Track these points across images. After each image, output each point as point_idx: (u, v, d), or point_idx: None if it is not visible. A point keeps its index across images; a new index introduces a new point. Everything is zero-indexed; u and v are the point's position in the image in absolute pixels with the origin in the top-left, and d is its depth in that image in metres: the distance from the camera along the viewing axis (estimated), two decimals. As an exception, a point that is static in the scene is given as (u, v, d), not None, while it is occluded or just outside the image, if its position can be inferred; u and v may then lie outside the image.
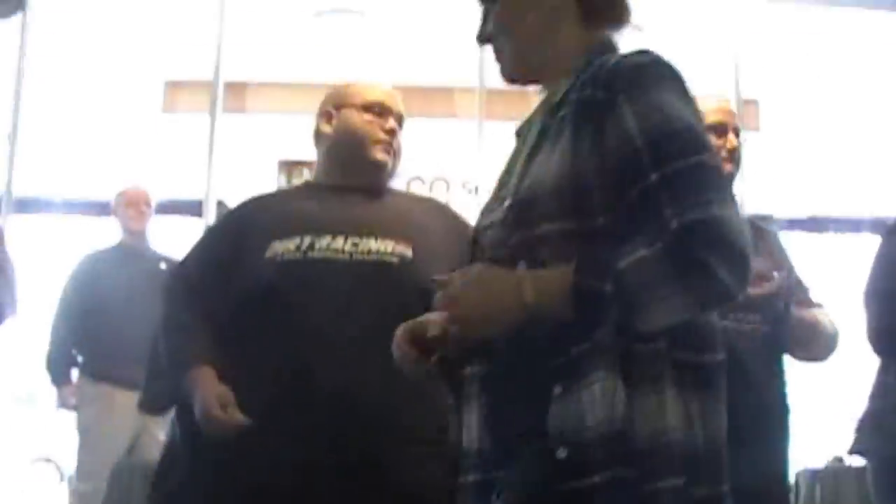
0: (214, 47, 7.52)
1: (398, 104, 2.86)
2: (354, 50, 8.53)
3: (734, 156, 3.18)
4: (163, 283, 2.82)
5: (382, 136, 2.76)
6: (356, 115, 2.79)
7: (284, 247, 2.56)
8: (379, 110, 2.79)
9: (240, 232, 2.69)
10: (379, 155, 2.75)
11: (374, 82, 2.93)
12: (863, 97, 9.10)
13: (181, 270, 2.82)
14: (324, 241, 2.55)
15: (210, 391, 2.48)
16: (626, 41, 7.37)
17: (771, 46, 8.24)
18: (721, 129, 3.18)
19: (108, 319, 5.65)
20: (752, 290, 2.80)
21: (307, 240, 2.55)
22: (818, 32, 8.28)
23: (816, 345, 3.10)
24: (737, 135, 3.22)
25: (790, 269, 3.24)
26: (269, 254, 2.56)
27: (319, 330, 2.49)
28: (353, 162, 2.78)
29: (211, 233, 2.90)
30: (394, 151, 2.78)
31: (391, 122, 2.78)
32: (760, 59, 8.11)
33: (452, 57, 8.21)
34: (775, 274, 2.93)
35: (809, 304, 3.19)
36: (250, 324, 2.55)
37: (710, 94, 3.37)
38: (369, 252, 2.54)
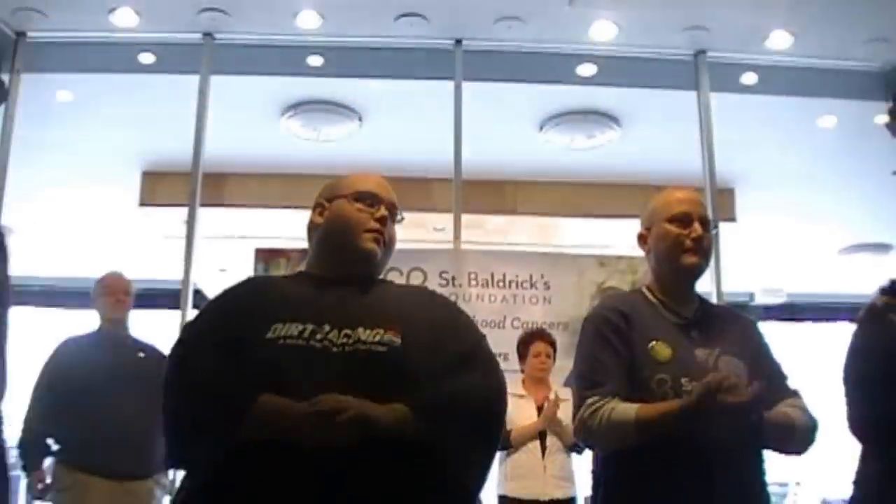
0: (193, 139, 7.54)
1: (390, 194, 2.86)
2: (333, 143, 8.61)
3: (700, 246, 3.17)
4: (169, 355, 2.76)
5: (373, 224, 2.76)
6: (346, 205, 2.80)
7: (287, 331, 2.54)
8: (370, 200, 2.79)
9: (240, 310, 2.68)
10: (368, 244, 2.74)
11: (367, 173, 2.94)
12: (837, 187, 9.20)
13: (183, 344, 2.79)
14: (323, 332, 2.54)
15: (299, 404, 2.43)
16: (602, 134, 7.45)
17: (746, 137, 8.33)
18: (685, 219, 3.18)
19: (85, 407, 5.55)
20: (729, 399, 2.79)
21: (309, 327, 2.54)
22: (793, 123, 8.39)
23: (792, 442, 3.08)
24: (705, 225, 3.21)
25: (769, 360, 3.23)
26: (270, 335, 2.54)
27: None
28: (343, 251, 2.77)
29: (210, 311, 2.86)
30: (384, 240, 2.78)
31: (382, 211, 2.78)
32: (736, 149, 8.19)
33: (429, 149, 8.30)
34: (753, 383, 2.92)
35: (786, 394, 3.17)
36: (249, 403, 2.52)
37: (684, 184, 3.40)
38: (359, 342, 2.52)
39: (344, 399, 2.37)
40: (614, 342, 3.05)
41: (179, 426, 2.59)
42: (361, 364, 2.50)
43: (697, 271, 3.20)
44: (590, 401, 2.98)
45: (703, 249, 3.17)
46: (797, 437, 3.04)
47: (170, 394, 2.61)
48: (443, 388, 2.49)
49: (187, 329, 2.76)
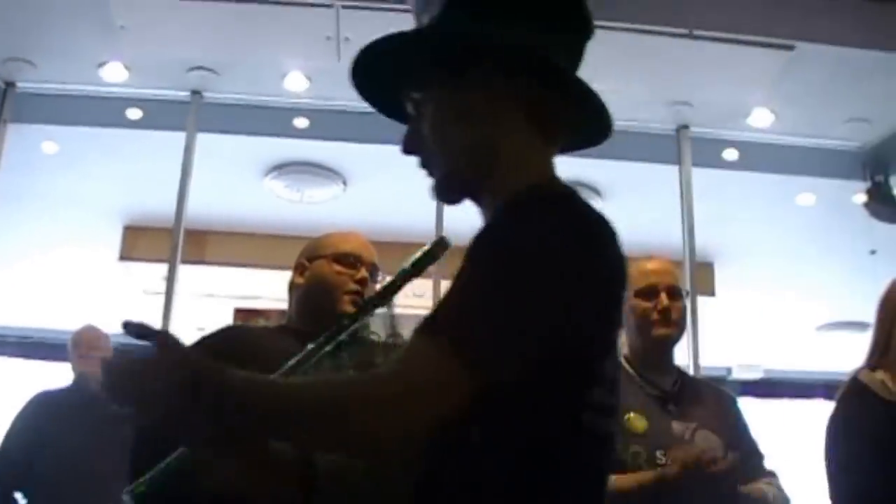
0: (176, 195, 7.54)
1: (371, 254, 2.88)
2: (316, 205, 8.62)
3: (667, 317, 3.18)
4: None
5: (352, 286, 2.77)
6: (327, 266, 2.81)
7: None
8: (350, 261, 2.80)
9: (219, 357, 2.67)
10: (347, 306, 2.75)
11: (349, 233, 2.95)
12: (816, 265, 9.25)
13: None
14: None
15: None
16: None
17: (726, 212, 8.38)
18: (651, 292, 3.20)
19: (56, 462, 5.51)
20: (705, 472, 2.80)
21: None
22: (773, 199, 8.45)
23: None
24: (673, 295, 3.21)
25: (746, 437, 3.23)
26: None
27: None
28: (322, 312, 2.77)
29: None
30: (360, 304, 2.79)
31: (362, 273, 2.79)
32: (716, 224, 8.24)
33: (412, 213, 8.31)
34: (729, 453, 2.93)
35: (762, 474, 3.17)
36: None
37: (665, 256, 3.41)
38: None
39: None
40: None
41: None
42: None
43: (669, 342, 3.21)
44: None
45: (673, 320, 3.19)
46: None
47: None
48: None
49: None
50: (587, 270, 1.64)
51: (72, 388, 5.91)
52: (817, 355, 11.20)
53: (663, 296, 3.18)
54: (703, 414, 3.14)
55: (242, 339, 2.85)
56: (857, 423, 3.15)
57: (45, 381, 6.09)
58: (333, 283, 2.78)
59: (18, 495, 5.69)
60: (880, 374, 3.13)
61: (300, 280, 2.87)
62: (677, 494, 2.80)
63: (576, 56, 2.13)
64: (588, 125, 2.05)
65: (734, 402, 3.36)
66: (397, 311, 2.63)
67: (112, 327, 5.87)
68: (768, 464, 3.25)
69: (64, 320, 7.69)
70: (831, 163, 7.93)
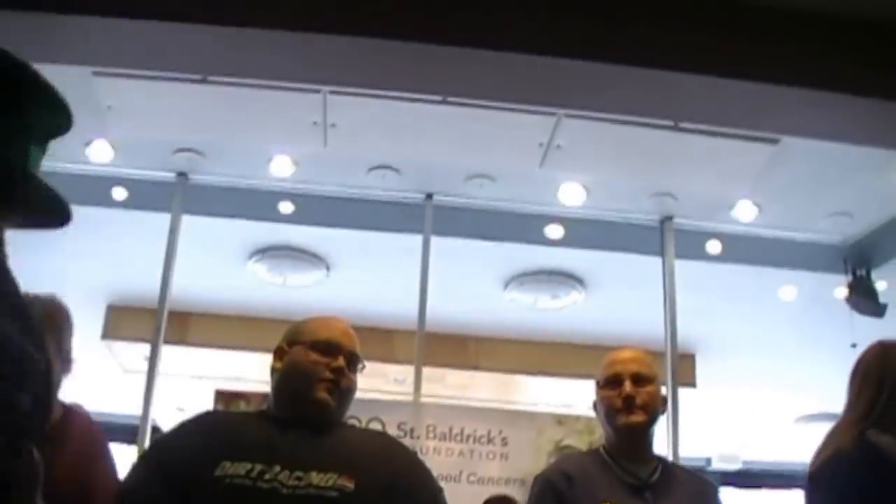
0: (160, 276, 7.54)
1: (351, 341, 2.87)
2: (299, 289, 8.62)
3: (631, 404, 3.18)
4: (116, 491, 2.74)
5: (327, 374, 2.76)
6: (303, 353, 2.80)
7: (235, 470, 2.53)
8: (328, 349, 2.80)
9: (190, 445, 2.66)
10: (321, 394, 2.74)
11: (331, 319, 2.95)
12: (796, 357, 9.26)
13: (128, 480, 2.76)
14: (272, 472, 2.52)
15: None
16: (566, 295, 7.44)
17: (709, 304, 8.41)
18: (616, 381, 3.22)
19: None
20: None
21: (258, 468, 2.53)
22: (755, 292, 8.48)
23: None
24: (639, 382, 3.20)
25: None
26: (218, 472, 2.52)
27: None
28: (297, 399, 2.78)
29: (160, 444, 2.85)
30: (340, 391, 2.78)
31: (339, 361, 2.78)
32: (698, 315, 8.26)
33: (394, 300, 8.32)
34: None
35: None
36: None
37: (646, 347, 3.42)
38: (311, 486, 2.51)
39: None
40: None
41: None
42: None
43: (636, 430, 3.21)
44: None
45: (639, 406, 3.19)
46: None
47: None
48: None
49: (135, 467, 2.75)
50: None
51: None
52: (796, 446, 11.17)
53: (627, 383, 3.19)
54: (681, 502, 3.12)
55: (220, 424, 2.84)
56: (872, 491, 3.10)
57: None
58: (309, 370, 2.77)
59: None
60: (888, 438, 3.10)
61: (278, 365, 2.87)
62: None
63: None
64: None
65: (715, 491, 3.34)
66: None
67: (93, 404, 5.82)
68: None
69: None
70: (813, 256, 7.98)
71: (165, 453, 2.72)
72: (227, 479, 2.51)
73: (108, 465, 3.19)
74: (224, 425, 2.82)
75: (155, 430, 7.43)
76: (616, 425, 3.20)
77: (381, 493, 2.56)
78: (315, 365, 2.78)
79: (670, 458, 7.01)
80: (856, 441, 3.12)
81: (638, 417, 3.18)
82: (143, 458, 2.78)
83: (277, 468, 2.54)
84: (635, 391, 3.19)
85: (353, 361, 2.84)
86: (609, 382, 3.24)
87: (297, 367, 2.81)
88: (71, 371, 3.29)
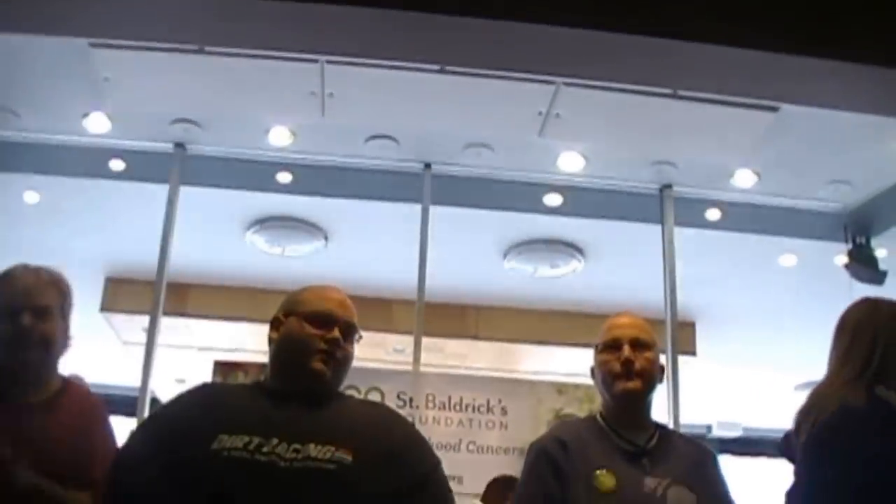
0: (158, 248, 7.53)
1: (347, 312, 2.84)
2: (297, 259, 8.61)
3: (629, 369, 3.16)
4: (111, 463, 2.73)
5: (322, 346, 2.75)
6: (299, 324, 2.79)
7: (232, 443, 2.52)
8: (323, 320, 2.78)
9: (188, 418, 2.66)
10: (317, 365, 2.73)
11: (327, 289, 2.93)
12: (796, 325, 9.26)
13: (124, 453, 2.75)
14: (270, 445, 2.52)
15: None
16: (566, 264, 7.40)
17: (708, 272, 8.40)
18: (614, 345, 3.19)
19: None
20: None
21: (255, 440, 2.52)
22: (754, 260, 8.47)
23: None
24: (637, 347, 3.18)
25: (724, 497, 3.20)
26: (215, 445, 2.52)
27: None
28: (293, 370, 2.77)
29: (158, 417, 2.84)
30: (336, 361, 2.77)
31: (334, 333, 2.76)
32: (698, 283, 8.26)
33: (393, 270, 8.30)
34: None
35: None
36: None
37: (645, 315, 3.39)
38: (308, 458, 2.50)
39: None
40: (545, 476, 3.06)
41: None
42: (309, 481, 2.47)
43: (633, 396, 3.18)
44: None
45: (637, 372, 3.16)
46: None
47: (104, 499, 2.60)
48: None
49: (131, 437, 2.74)
50: None
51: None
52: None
53: (626, 348, 3.16)
54: (679, 469, 3.09)
55: (217, 397, 2.83)
56: (884, 446, 3.03)
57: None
58: (304, 342, 2.76)
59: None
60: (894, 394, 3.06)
61: (275, 336, 2.87)
62: None
63: None
64: None
65: (714, 459, 3.31)
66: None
67: (92, 376, 5.82)
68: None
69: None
70: (813, 224, 7.97)
71: (162, 427, 2.71)
72: (224, 451, 2.50)
73: (106, 435, 3.18)
74: (221, 398, 2.81)
75: (154, 401, 7.42)
76: (613, 391, 3.18)
77: (379, 465, 2.55)
78: (310, 336, 2.76)
79: (671, 426, 7.05)
80: (865, 397, 3.06)
81: (635, 384, 3.16)
82: (140, 431, 2.77)
83: (275, 441, 2.53)
84: (634, 356, 3.17)
85: (349, 332, 2.83)
86: (607, 347, 3.21)
87: (293, 338, 2.80)
88: (69, 346, 3.29)
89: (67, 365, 3.32)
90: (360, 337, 2.88)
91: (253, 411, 2.66)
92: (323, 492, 2.47)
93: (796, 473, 3.09)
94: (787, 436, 3.21)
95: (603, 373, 3.21)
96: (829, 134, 6.86)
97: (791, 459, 3.15)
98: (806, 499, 3.01)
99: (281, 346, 2.83)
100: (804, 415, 3.17)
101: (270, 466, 2.48)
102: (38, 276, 3.23)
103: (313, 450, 2.53)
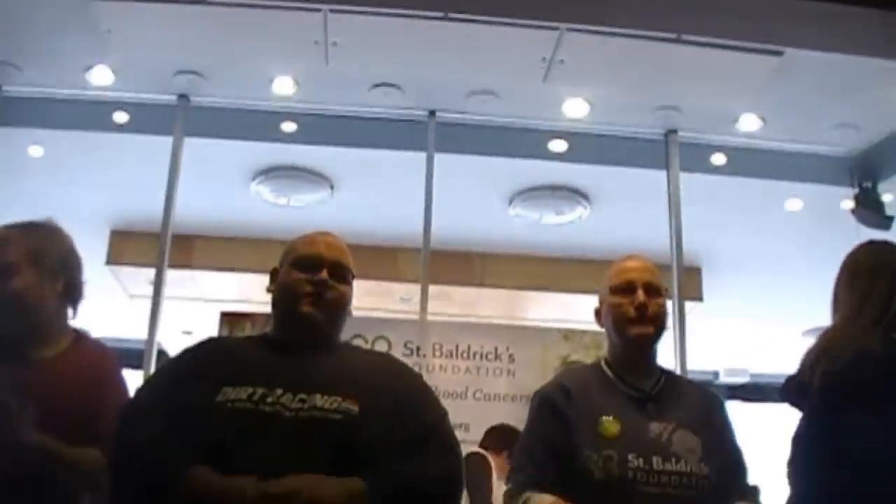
0: (163, 200, 7.52)
1: (335, 252, 2.83)
2: (303, 209, 8.60)
3: (643, 314, 3.14)
4: (117, 418, 2.73)
5: (308, 288, 2.75)
6: (287, 271, 2.81)
7: (236, 394, 2.53)
8: (310, 264, 2.79)
9: (193, 373, 2.66)
10: (305, 309, 2.74)
11: (315, 234, 2.92)
12: (803, 270, 9.25)
13: (130, 408, 2.75)
14: (274, 395, 2.52)
15: (234, 481, 2.37)
16: (571, 210, 7.42)
17: (714, 217, 8.38)
18: (628, 288, 3.15)
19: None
20: None
21: (259, 391, 2.53)
22: (760, 205, 8.46)
23: None
24: (651, 292, 3.15)
25: (730, 443, 3.18)
26: (220, 398, 2.52)
27: None
28: (288, 318, 2.79)
29: (163, 372, 2.85)
30: (326, 302, 2.77)
31: (322, 274, 2.76)
32: (703, 229, 8.25)
33: (399, 218, 8.29)
34: None
35: (744, 491, 3.12)
36: (178, 478, 2.48)
37: (642, 255, 3.35)
38: (314, 408, 2.50)
39: (295, 484, 2.35)
40: (549, 424, 3.05)
41: (113, 496, 2.57)
42: (314, 431, 2.47)
43: (645, 340, 3.15)
44: (508, 486, 3.02)
45: (650, 317, 3.13)
46: None
47: (110, 461, 2.60)
48: (399, 469, 2.47)
49: (137, 393, 2.75)
50: None
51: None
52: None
53: (640, 292, 3.12)
54: (684, 413, 3.07)
55: (221, 350, 2.83)
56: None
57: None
58: (292, 288, 2.77)
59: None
60: None
61: (272, 287, 2.88)
62: None
63: None
64: None
65: (720, 405, 3.28)
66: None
67: (99, 330, 5.83)
68: (751, 477, 3.19)
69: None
70: (819, 168, 7.95)
71: (168, 382, 2.71)
72: (228, 403, 2.51)
73: (117, 388, 3.19)
74: (225, 351, 2.82)
75: (161, 354, 7.45)
76: (626, 335, 3.14)
77: (385, 415, 2.56)
78: (298, 281, 2.78)
79: (678, 373, 7.06)
80: (882, 342, 3.03)
81: (648, 329, 3.14)
82: (146, 387, 2.77)
83: (279, 391, 2.53)
84: (647, 301, 3.15)
85: (338, 272, 2.82)
86: (620, 290, 3.16)
87: (283, 286, 2.82)
88: (72, 295, 3.28)
89: (73, 318, 3.32)
90: (353, 275, 2.87)
91: (257, 363, 2.66)
92: (329, 442, 2.47)
93: (806, 418, 3.06)
94: (793, 379, 3.17)
95: (615, 316, 3.17)
96: (835, 78, 6.82)
97: (794, 404, 3.12)
98: (817, 444, 2.99)
99: (275, 296, 2.85)
100: (816, 359, 3.12)
101: (275, 416, 2.48)
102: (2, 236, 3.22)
103: (319, 400, 2.53)
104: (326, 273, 2.78)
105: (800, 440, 3.00)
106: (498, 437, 6.35)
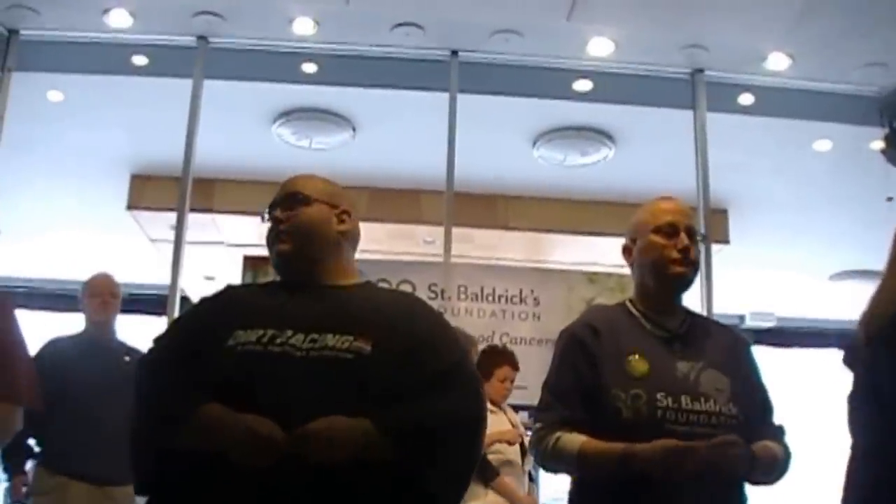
0: (183, 143, 7.50)
1: (292, 185, 2.83)
2: (325, 151, 8.55)
3: (686, 257, 3.11)
4: (136, 369, 2.73)
5: (276, 228, 2.79)
6: (268, 220, 2.85)
7: (247, 337, 2.51)
8: (279, 203, 2.80)
9: (207, 322, 2.66)
10: (278, 247, 2.77)
11: (298, 175, 2.93)
12: (831, 212, 9.18)
13: (148, 358, 2.75)
14: (284, 336, 2.49)
15: (247, 416, 2.37)
16: (596, 151, 7.36)
17: (741, 158, 8.30)
18: (672, 230, 3.12)
19: (68, 410, 5.46)
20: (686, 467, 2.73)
21: (269, 333, 2.50)
22: (788, 145, 8.37)
23: (771, 478, 3.01)
24: (691, 236, 3.14)
25: (756, 384, 3.16)
26: (230, 342, 2.50)
27: None
28: (276, 262, 2.83)
29: (179, 322, 2.86)
30: (289, 235, 2.76)
31: (284, 212, 2.78)
32: (730, 170, 8.17)
33: (422, 160, 8.24)
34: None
35: (770, 430, 3.09)
36: (189, 413, 2.47)
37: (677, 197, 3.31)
38: (325, 348, 2.47)
39: (315, 427, 2.32)
40: (577, 363, 3.00)
41: (131, 440, 2.57)
42: (325, 371, 2.44)
43: (684, 282, 3.13)
44: (538, 425, 2.98)
45: (690, 260, 3.11)
46: (776, 472, 2.99)
47: (132, 409, 2.60)
48: (413, 409, 2.40)
49: (155, 342, 2.74)
50: None
51: (82, 335, 5.87)
52: (830, 304, 11.15)
53: (683, 235, 3.11)
54: (711, 353, 3.05)
55: (234, 297, 2.82)
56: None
57: (55, 331, 6.02)
58: (268, 235, 2.83)
59: (32, 442, 5.68)
60: None
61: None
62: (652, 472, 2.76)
63: None
64: None
65: (747, 346, 3.26)
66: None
67: (121, 276, 5.81)
68: (776, 419, 3.17)
69: (71, 270, 7.64)
70: (848, 108, 7.84)
71: (184, 331, 2.72)
72: (238, 346, 2.48)
73: (13, 335, 3.18)
74: (239, 298, 2.81)
75: (184, 300, 7.44)
76: (665, 275, 3.10)
77: (399, 356, 2.49)
78: (270, 228, 2.81)
79: (704, 315, 7.02)
80: None
81: (689, 270, 3.12)
82: (164, 337, 2.76)
83: (289, 332, 2.50)
84: (690, 245, 3.13)
85: (287, 203, 2.81)
86: (663, 231, 3.12)
87: (266, 236, 2.85)
88: None
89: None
90: (312, 199, 2.83)
91: (268, 306, 2.64)
92: (339, 382, 2.43)
93: (856, 377, 2.99)
94: (850, 346, 3.10)
95: (655, 255, 3.12)
96: (864, 16, 6.73)
97: (849, 365, 3.06)
98: (867, 401, 2.93)
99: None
100: (873, 313, 3.04)
101: (285, 357, 2.45)
102: None
103: (331, 339, 2.49)
104: (279, 210, 2.79)
105: (852, 399, 2.94)
106: (488, 358, 6.10)
